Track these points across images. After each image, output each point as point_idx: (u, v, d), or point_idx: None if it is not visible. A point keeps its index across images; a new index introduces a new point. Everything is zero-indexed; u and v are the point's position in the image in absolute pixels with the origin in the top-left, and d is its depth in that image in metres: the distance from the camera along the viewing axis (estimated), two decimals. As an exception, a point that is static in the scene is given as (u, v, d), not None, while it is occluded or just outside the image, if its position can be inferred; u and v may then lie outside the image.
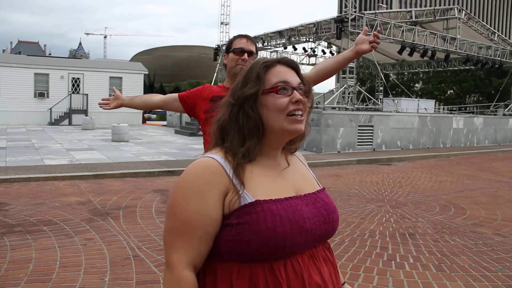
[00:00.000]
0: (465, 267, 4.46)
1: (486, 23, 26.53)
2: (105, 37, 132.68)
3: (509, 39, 26.30)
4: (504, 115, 26.54)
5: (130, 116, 27.98)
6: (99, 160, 11.44)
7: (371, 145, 16.65)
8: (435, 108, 35.96)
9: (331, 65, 2.60)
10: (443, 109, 41.64)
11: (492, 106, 30.92)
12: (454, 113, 27.77)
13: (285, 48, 22.38)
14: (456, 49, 21.26)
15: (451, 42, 21.04)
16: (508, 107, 27.81)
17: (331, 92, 20.32)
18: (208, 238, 1.13)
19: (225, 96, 1.28)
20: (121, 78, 29.14)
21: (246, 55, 2.51)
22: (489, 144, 21.43)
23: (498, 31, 25.71)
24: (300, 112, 1.22)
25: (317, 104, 17.22)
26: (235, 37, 2.61)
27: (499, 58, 24.26)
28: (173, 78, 66.20)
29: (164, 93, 39.41)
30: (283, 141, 1.28)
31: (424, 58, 21.25)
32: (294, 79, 1.24)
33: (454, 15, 20.98)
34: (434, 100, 40.78)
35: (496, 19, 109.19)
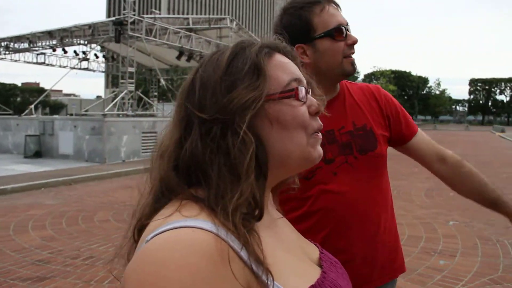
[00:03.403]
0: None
1: (253, 33, 28.92)
2: None
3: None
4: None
5: None
6: None
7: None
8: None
9: (477, 188, 1.66)
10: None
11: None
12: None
13: (54, 50, 20.41)
14: (228, 57, 22.63)
15: (223, 50, 22.30)
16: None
17: (100, 98, 19.39)
18: None
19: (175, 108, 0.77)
20: None
21: (352, 37, 1.49)
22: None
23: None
24: (321, 127, 0.80)
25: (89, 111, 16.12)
26: (311, 4, 1.46)
27: (263, 66, 26.75)
28: None
29: None
30: (287, 176, 0.84)
31: (200, 64, 22.10)
32: (303, 77, 0.80)
33: (227, 24, 22.27)
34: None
35: (262, 31, 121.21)
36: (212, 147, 0.69)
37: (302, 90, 0.76)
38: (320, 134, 0.79)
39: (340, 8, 1.50)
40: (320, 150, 0.79)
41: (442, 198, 8.78)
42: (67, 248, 5.37)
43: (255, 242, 0.65)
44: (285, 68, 0.77)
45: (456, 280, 4.32)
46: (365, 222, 1.49)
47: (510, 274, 4.53)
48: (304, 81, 0.79)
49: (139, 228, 0.73)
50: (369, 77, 77.77)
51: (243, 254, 0.63)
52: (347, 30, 1.47)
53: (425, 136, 1.69)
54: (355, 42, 1.48)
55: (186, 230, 0.62)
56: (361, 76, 79.01)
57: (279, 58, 0.78)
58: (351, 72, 1.50)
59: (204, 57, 0.80)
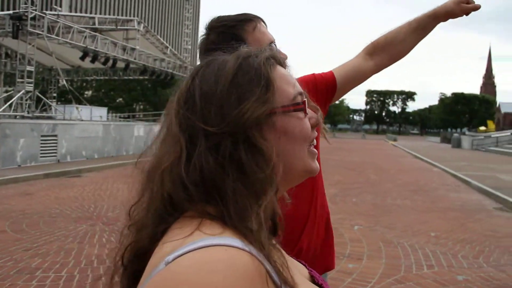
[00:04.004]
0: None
1: (161, 37, 28.44)
2: None
3: (179, 54, 28.83)
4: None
5: None
6: None
7: (56, 156, 15.46)
8: (108, 116, 36.48)
9: (404, 32, 1.68)
10: (115, 116, 42.72)
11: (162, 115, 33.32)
12: (130, 121, 28.81)
13: None
14: (135, 60, 22.02)
15: (130, 52, 21.64)
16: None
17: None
18: None
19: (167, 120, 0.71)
20: None
21: (282, 54, 1.47)
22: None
23: (170, 46, 27.90)
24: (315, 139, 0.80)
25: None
26: (243, 22, 1.44)
27: (170, 71, 26.42)
28: None
29: None
30: (287, 188, 0.82)
31: (106, 66, 21.25)
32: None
33: (134, 26, 21.68)
34: (107, 108, 41.34)
35: (169, 35, 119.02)
36: (223, 162, 0.65)
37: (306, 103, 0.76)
38: (313, 148, 0.79)
39: (267, 25, 1.51)
40: (317, 163, 0.79)
41: (346, 204, 9.23)
42: (-42, 263, 4.87)
43: (282, 261, 0.63)
44: (289, 80, 0.75)
45: (365, 282, 4.56)
46: (309, 220, 1.59)
47: (411, 273, 4.88)
48: (304, 93, 0.78)
49: (138, 253, 0.68)
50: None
51: (274, 274, 0.61)
52: (276, 46, 1.48)
53: (340, 65, 1.74)
54: (285, 58, 1.50)
55: (218, 248, 0.57)
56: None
57: (281, 69, 0.76)
58: None
59: (197, 66, 0.75)
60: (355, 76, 1.71)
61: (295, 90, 0.75)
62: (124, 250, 0.70)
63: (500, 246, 6.24)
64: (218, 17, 1.48)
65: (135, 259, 0.68)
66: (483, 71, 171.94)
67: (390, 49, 1.71)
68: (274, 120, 0.70)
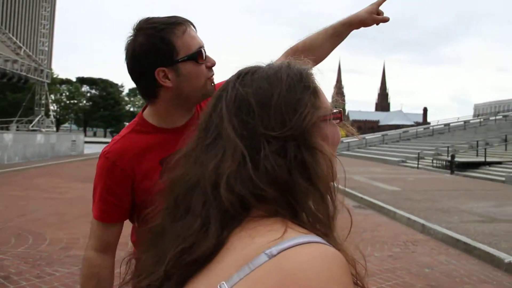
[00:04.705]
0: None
1: (14, 36, 26.02)
2: None
3: (34, 55, 26.58)
4: (30, 130, 26.76)
5: None
6: None
7: None
8: None
9: (321, 38, 1.76)
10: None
11: (15, 121, 30.54)
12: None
13: None
14: (-18, 60, 19.87)
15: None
16: (33, 123, 28.27)
17: None
18: None
19: (229, 128, 0.72)
20: None
21: (210, 59, 1.47)
22: (20, 161, 20.96)
23: (24, 46, 25.66)
24: None
25: None
26: (173, 26, 1.40)
27: (24, 73, 24.35)
28: None
29: None
30: None
31: None
32: None
33: (-19, 23, 19.52)
34: None
35: (23, 34, 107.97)
36: (290, 164, 0.69)
37: None
38: None
39: (196, 29, 1.48)
40: None
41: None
42: None
43: (354, 260, 0.71)
44: (323, 92, 0.81)
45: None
46: None
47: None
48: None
49: (200, 258, 0.67)
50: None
51: None
52: (205, 51, 1.46)
53: None
54: (214, 64, 1.49)
55: (320, 245, 0.62)
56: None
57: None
58: (212, 92, 1.51)
59: (238, 73, 0.79)
60: None
61: (330, 102, 0.83)
62: (169, 258, 0.69)
63: (364, 239, 6.89)
64: (147, 18, 1.42)
65: (190, 265, 0.68)
66: (334, 82, 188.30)
67: (308, 54, 1.75)
68: (323, 126, 0.76)
